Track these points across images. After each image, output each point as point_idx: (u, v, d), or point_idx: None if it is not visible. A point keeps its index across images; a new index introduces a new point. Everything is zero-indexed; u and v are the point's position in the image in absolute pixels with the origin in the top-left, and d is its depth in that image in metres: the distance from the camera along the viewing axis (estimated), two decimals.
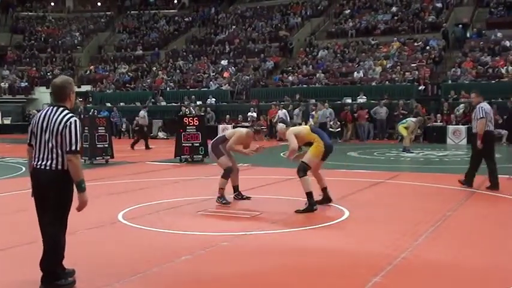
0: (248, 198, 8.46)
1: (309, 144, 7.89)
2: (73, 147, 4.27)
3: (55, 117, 4.33)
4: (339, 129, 23.05)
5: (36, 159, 4.36)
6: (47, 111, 4.41)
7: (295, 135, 7.78)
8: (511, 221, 7.19)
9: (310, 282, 4.64)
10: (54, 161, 4.31)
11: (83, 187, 4.35)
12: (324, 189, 8.02)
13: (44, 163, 4.32)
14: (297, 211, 7.44)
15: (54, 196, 4.32)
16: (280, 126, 8.40)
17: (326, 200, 7.99)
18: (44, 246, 4.50)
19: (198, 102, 27.56)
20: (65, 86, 4.51)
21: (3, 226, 6.94)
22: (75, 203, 4.45)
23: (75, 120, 4.33)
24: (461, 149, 18.59)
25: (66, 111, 4.38)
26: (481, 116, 9.43)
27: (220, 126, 24.69)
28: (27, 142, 4.52)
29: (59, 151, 4.30)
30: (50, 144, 4.31)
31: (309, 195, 7.55)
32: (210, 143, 8.68)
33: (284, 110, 23.87)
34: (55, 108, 4.40)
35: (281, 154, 15.45)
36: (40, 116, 4.40)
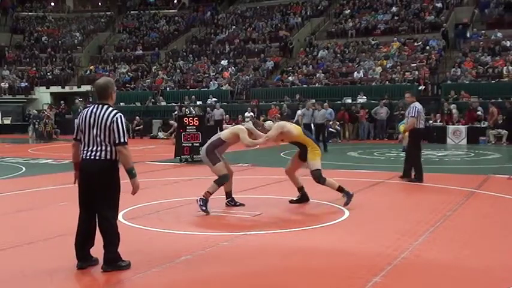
0: (242, 204, 7.92)
1: (297, 144, 8.01)
2: (121, 140, 4.78)
3: (101, 113, 4.80)
4: (339, 129, 23.04)
5: (86, 152, 4.84)
6: (93, 108, 4.87)
7: (282, 132, 7.75)
8: (511, 221, 7.19)
9: (311, 282, 4.64)
10: (103, 152, 4.79)
11: (134, 173, 4.87)
12: (300, 189, 8.11)
13: (93, 154, 4.79)
14: (345, 204, 7.68)
15: (104, 183, 4.79)
16: (268, 123, 8.18)
17: (304, 198, 8.09)
18: (102, 234, 4.86)
19: (198, 102, 27.56)
20: (108, 85, 4.99)
21: (3, 226, 6.93)
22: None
23: (121, 116, 4.83)
24: (461, 149, 18.60)
25: (111, 108, 4.86)
26: (413, 115, 10.30)
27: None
28: (73, 137, 5.00)
29: (107, 143, 4.78)
30: (99, 138, 4.79)
31: (340, 189, 7.85)
32: (204, 147, 7.91)
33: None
34: (100, 106, 4.87)
35: (281, 154, 15.44)
36: (87, 114, 4.87)
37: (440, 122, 21.95)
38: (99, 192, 4.80)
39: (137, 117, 27.14)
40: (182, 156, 14.44)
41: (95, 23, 43.22)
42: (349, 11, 34.20)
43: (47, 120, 25.62)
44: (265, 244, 5.88)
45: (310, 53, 31.22)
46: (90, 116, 4.84)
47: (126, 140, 4.82)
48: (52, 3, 46.36)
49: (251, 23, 37.23)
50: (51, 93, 35.79)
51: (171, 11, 44.24)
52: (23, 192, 9.59)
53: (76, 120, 5.00)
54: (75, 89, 35.61)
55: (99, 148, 4.79)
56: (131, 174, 4.85)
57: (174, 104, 28.07)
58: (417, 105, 10.46)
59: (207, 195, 7.43)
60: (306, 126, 21.40)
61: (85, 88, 34.69)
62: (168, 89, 31.17)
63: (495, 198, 8.70)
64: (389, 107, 23.04)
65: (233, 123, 25.71)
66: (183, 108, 25.55)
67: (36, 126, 26.04)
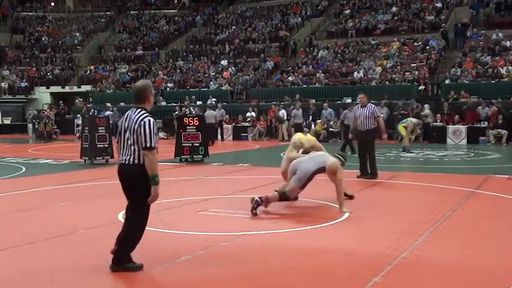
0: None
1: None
2: (148, 144, 4.71)
3: (133, 117, 4.80)
4: (339, 129, 23.03)
5: (120, 155, 4.91)
6: (129, 112, 4.89)
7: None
8: (511, 221, 7.19)
9: (311, 282, 4.64)
10: (133, 156, 4.78)
11: (156, 181, 4.75)
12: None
13: (125, 158, 4.83)
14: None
15: (132, 187, 4.81)
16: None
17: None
18: (120, 233, 4.91)
19: (198, 102, 27.56)
20: (146, 88, 4.93)
21: (3, 226, 6.93)
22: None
23: (149, 120, 4.74)
24: (461, 149, 18.60)
25: (142, 112, 4.81)
26: (379, 114, 11.06)
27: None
28: (116, 140, 5.10)
29: (136, 147, 4.76)
30: (129, 142, 4.80)
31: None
32: (306, 168, 7.52)
33: (283, 110, 23.89)
34: (135, 109, 4.87)
35: (281, 154, 15.44)
36: (124, 117, 4.92)
37: (440, 122, 21.96)
38: (128, 195, 4.87)
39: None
40: (182, 156, 14.44)
41: (95, 23, 43.19)
42: (349, 11, 34.19)
43: (47, 120, 25.63)
44: (265, 244, 5.88)
45: (310, 53, 31.22)
46: (124, 120, 4.88)
47: (153, 145, 4.73)
48: (52, 3, 46.33)
49: (251, 23, 37.21)
50: (51, 93, 35.79)
51: (171, 11, 44.23)
52: (23, 192, 9.59)
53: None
54: (75, 89, 35.62)
55: (128, 152, 4.80)
56: (153, 181, 4.73)
57: (174, 104, 28.08)
58: (375, 105, 11.35)
59: (266, 201, 7.31)
60: (297, 126, 21.51)
61: (85, 88, 34.72)
62: (168, 89, 31.17)
63: (495, 198, 8.70)
64: (389, 107, 23.03)
65: (233, 124, 25.80)
66: (183, 108, 25.55)
67: (36, 126, 26.05)
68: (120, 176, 4.90)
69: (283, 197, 7.49)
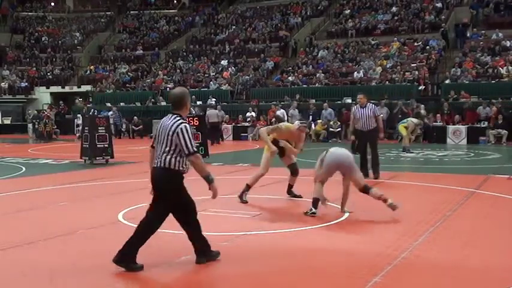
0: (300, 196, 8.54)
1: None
2: (190, 150, 4.82)
3: (168, 123, 4.89)
4: (339, 129, 23.05)
5: (155, 159, 4.98)
6: (165, 119, 4.99)
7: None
8: (511, 221, 7.19)
9: (311, 282, 4.64)
10: (162, 161, 4.87)
11: (211, 179, 4.93)
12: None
13: (156, 161, 4.93)
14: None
15: (160, 190, 4.92)
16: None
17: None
18: (135, 229, 5.02)
19: (198, 102, 27.56)
20: (184, 96, 5.02)
21: (3, 226, 6.93)
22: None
23: (185, 126, 4.83)
24: (461, 149, 18.59)
25: (178, 118, 4.89)
26: (378, 114, 11.11)
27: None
28: (150, 145, 5.17)
29: (167, 152, 4.85)
30: (161, 147, 4.90)
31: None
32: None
33: (282, 110, 23.86)
34: (170, 115, 4.95)
35: None
36: (160, 123, 5.01)
37: (440, 122, 21.96)
38: (158, 198, 4.96)
39: (135, 117, 27.13)
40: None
41: (95, 23, 43.19)
42: (349, 11, 34.19)
43: (47, 120, 25.63)
44: (265, 244, 5.88)
45: (310, 53, 31.21)
46: (161, 125, 4.96)
47: (193, 150, 4.84)
48: (52, 3, 46.33)
49: (251, 23, 37.21)
50: (51, 93, 35.80)
51: (171, 11, 44.23)
52: (23, 192, 9.59)
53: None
54: (75, 89, 35.63)
55: (161, 156, 4.89)
56: (208, 180, 4.91)
57: None
58: (374, 105, 11.40)
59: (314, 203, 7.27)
60: None
61: (85, 88, 34.73)
62: (168, 89, 31.14)
63: (495, 198, 8.70)
64: (389, 107, 23.04)
65: (233, 124, 25.80)
66: None
67: (36, 126, 26.05)
68: (151, 178, 5.01)
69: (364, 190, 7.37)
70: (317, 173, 7.36)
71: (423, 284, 4.62)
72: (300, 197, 8.43)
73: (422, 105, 22.10)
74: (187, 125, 4.87)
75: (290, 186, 8.59)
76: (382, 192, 7.40)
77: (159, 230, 6.45)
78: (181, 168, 4.90)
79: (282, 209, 7.86)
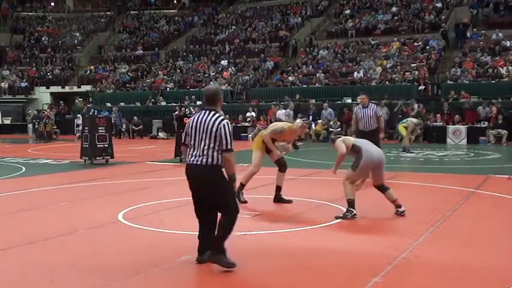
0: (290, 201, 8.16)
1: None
2: (228, 147, 4.88)
3: (208, 119, 4.91)
4: (339, 129, 23.05)
5: (191, 156, 4.98)
6: (200, 114, 5.00)
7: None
8: (511, 221, 7.19)
9: (311, 282, 4.64)
10: (209, 158, 4.88)
11: (235, 178, 5.01)
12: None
13: (199, 159, 4.90)
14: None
15: (213, 188, 4.92)
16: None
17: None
18: (218, 226, 5.00)
19: (198, 102, 27.56)
20: (219, 92, 5.15)
21: (3, 226, 6.93)
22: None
23: (227, 123, 4.93)
24: (461, 149, 18.59)
25: (218, 115, 4.96)
26: (380, 114, 11.20)
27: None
28: (182, 142, 5.20)
29: (212, 149, 4.88)
30: (203, 144, 4.90)
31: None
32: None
33: (284, 110, 23.87)
34: (207, 112, 4.98)
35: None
36: (194, 119, 5.01)
37: (440, 122, 21.96)
38: (211, 198, 4.95)
39: (135, 117, 27.14)
40: (182, 156, 14.43)
41: (95, 23, 43.19)
42: (349, 11, 34.19)
43: (47, 120, 25.63)
44: (265, 244, 5.87)
45: (310, 53, 31.21)
46: (198, 122, 4.96)
47: (233, 147, 4.92)
48: (52, 3, 46.32)
49: (251, 23, 37.21)
50: (51, 93, 35.79)
51: (171, 11, 44.22)
52: (23, 192, 9.59)
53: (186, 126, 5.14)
54: (75, 89, 35.62)
55: (204, 153, 4.89)
56: (233, 179, 4.98)
57: (174, 104, 28.08)
58: (375, 105, 11.53)
59: (352, 204, 7.09)
60: None
61: (85, 88, 34.72)
62: (168, 89, 31.17)
63: (495, 198, 8.70)
64: (389, 107, 23.04)
65: (233, 124, 25.78)
66: (183, 108, 25.56)
67: (36, 126, 26.05)
68: (192, 176, 4.99)
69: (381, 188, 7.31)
70: (350, 174, 7.14)
71: (423, 284, 4.62)
72: (289, 202, 8.13)
73: (416, 105, 22.05)
74: (229, 122, 4.98)
75: (278, 189, 8.26)
76: (397, 196, 7.30)
77: (159, 230, 6.48)
78: (221, 163, 4.95)
79: (282, 209, 7.85)
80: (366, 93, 11.51)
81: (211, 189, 4.94)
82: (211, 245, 4.96)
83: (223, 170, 4.96)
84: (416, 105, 21.95)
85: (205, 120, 4.92)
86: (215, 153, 4.88)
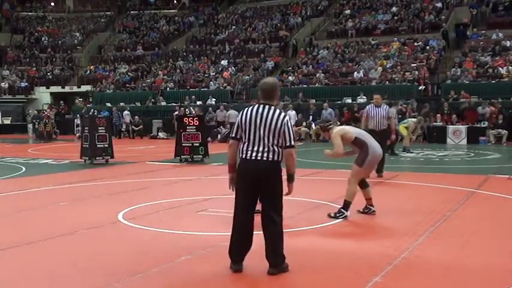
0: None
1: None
2: (292, 143, 4.75)
3: (269, 115, 4.74)
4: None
5: (250, 152, 4.75)
6: (258, 108, 4.79)
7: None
8: (511, 221, 7.19)
9: (311, 282, 4.64)
10: (271, 154, 4.72)
11: (293, 178, 4.87)
12: None
13: (259, 155, 4.72)
14: None
15: (271, 184, 4.76)
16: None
17: None
18: (267, 237, 4.85)
19: (198, 102, 27.58)
20: (276, 86, 4.95)
21: (3, 226, 6.93)
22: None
23: (289, 119, 4.82)
24: (461, 149, 18.59)
25: (278, 111, 4.79)
26: (391, 115, 11.31)
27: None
28: (231, 136, 4.92)
29: (274, 145, 4.73)
30: (266, 139, 4.72)
31: None
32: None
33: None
34: (266, 106, 4.79)
35: None
36: (251, 113, 4.78)
37: (440, 122, 21.96)
38: (266, 194, 4.79)
39: (135, 117, 27.14)
40: (182, 156, 14.44)
41: (95, 23, 43.20)
42: (349, 11, 34.20)
43: (47, 120, 25.64)
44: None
45: (310, 53, 31.22)
46: (256, 116, 4.75)
47: (294, 143, 4.80)
48: (52, 3, 46.35)
49: (251, 23, 37.22)
50: (51, 93, 35.81)
51: (171, 11, 44.23)
52: (23, 192, 9.59)
53: (237, 118, 4.92)
54: (75, 89, 35.63)
55: (265, 149, 4.72)
56: (291, 178, 4.85)
57: (174, 104, 28.08)
58: (388, 106, 11.58)
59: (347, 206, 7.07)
60: None
61: (85, 88, 34.73)
62: (168, 89, 31.18)
63: (495, 198, 8.70)
64: (390, 107, 23.00)
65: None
66: (182, 109, 25.58)
67: (36, 126, 26.06)
68: (252, 172, 4.74)
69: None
70: (357, 171, 7.09)
71: (423, 284, 4.62)
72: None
73: (425, 104, 22.09)
74: (289, 117, 4.87)
75: None
76: (372, 196, 7.34)
77: (159, 230, 6.48)
78: (282, 159, 4.82)
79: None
80: (379, 93, 11.59)
81: (271, 186, 4.76)
82: (276, 260, 4.77)
83: (281, 166, 4.80)
84: (415, 105, 21.93)
85: (267, 116, 4.72)
86: (279, 150, 4.73)
